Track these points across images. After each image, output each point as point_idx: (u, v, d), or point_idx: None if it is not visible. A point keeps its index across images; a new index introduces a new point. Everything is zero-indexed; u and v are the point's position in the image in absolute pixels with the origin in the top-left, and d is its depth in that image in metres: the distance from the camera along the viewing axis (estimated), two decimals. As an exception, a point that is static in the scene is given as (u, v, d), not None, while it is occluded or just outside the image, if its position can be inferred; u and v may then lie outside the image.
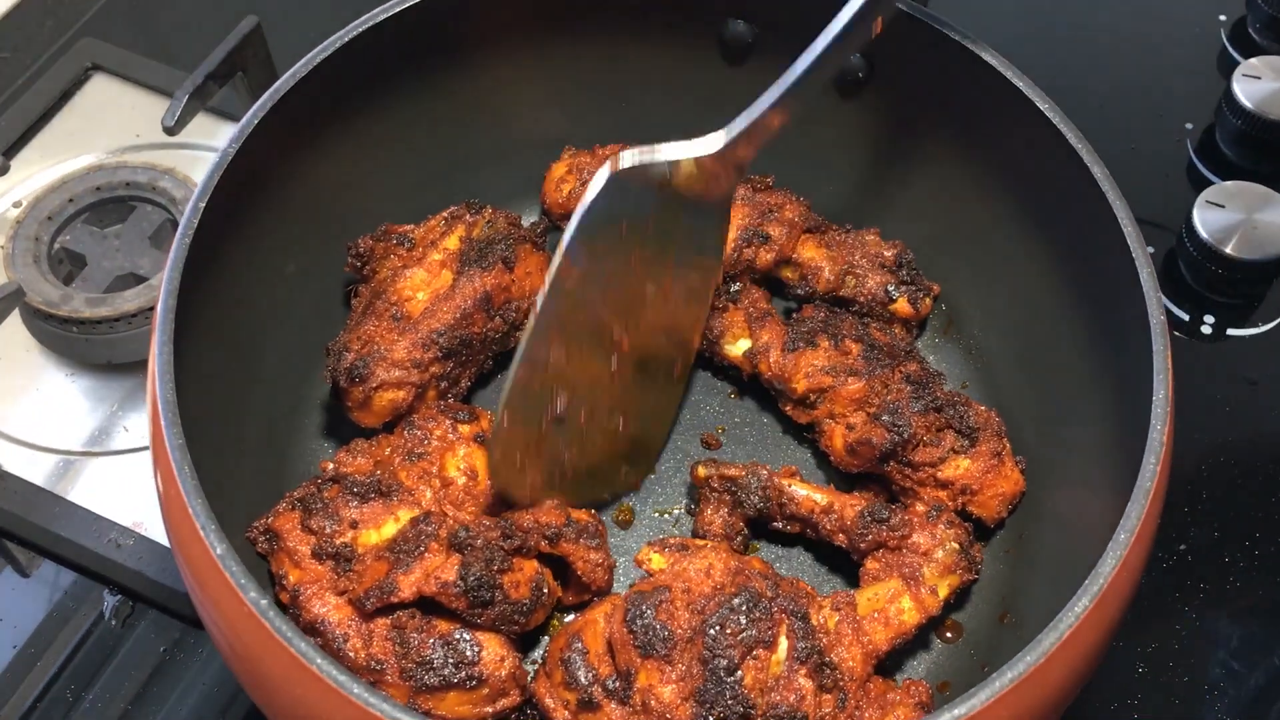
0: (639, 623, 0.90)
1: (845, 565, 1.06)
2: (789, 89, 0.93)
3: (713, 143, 0.96)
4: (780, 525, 1.05)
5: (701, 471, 1.05)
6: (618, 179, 0.93)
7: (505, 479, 1.01)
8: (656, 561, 0.96)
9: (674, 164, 0.95)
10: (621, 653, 0.90)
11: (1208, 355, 1.31)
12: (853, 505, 1.02)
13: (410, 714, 0.74)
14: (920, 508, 1.02)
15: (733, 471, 1.04)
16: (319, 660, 0.76)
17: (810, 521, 1.04)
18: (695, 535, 1.06)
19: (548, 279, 0.94)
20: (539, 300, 0.94)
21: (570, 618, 1.02)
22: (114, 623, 1.15)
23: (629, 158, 0.93)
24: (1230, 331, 1.32)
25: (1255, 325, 1.33)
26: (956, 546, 0.99)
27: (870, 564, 1.01)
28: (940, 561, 0.99)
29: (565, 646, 0.93)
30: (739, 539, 1.05)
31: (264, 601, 0.79)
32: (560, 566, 1.00)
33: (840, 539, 1.02)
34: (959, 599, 1.05)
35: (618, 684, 0.90)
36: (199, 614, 0.88)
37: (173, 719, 1.10)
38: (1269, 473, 1.23)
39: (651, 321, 1.05)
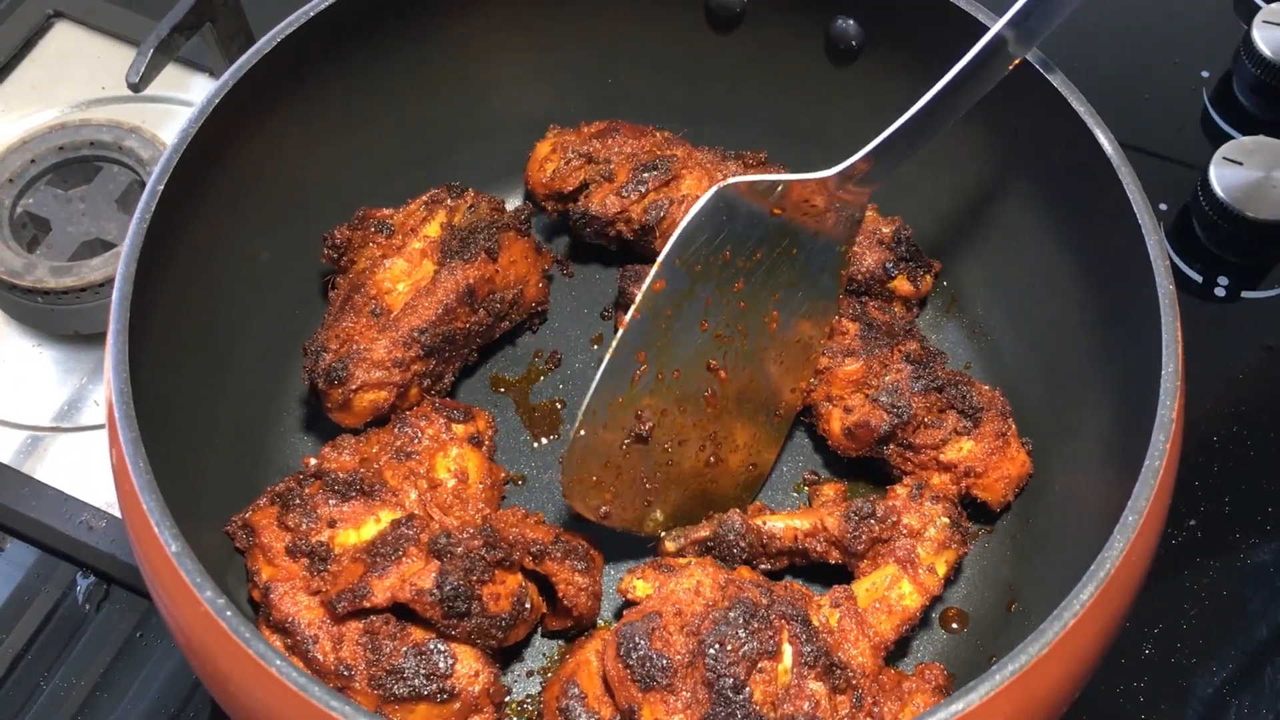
0: (634, 655, 0.85)
1: (830, 571, 1.02)
2: (908, 122, 0.92)
3: (827, 172, 0.93)
4: (768, 565, 1.00)
5: (671, 545, 0.99)
6: (723, 195, 0.91)
7: (576, 493, 0.96)
8: (641, 588, 0.92)
9: (784, 187, 0.93)
10: (621, 690, 0.86)
11: (1221, 318, 1.27)
12: (831, 515, 0.97)
13: (370, 717, 0.72)
14: (901, 490, 0.99)
15: (703, 533, 0.99)
16: (278, 662, 0.74)
17: (798, 550, 0.99)
18: None
19: (640, 291, 0.91)
20: (629, 312, 0.91)
21: (550, 643, 1.00)
22: (87, 606, 1.11)
23: (737, 177, 0.92)
24: (1245, 294, 1.28)
25: (1272, 287, 1.28)
26: (947, 521, 0.96)
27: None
28: (933, 539, 0.96)
29: (561, 694, 0.89)
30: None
31: (220, 601, 0.76)
32: (549, 587, 0.96)
33: (834, 555, 0.98)
34: (962, 583, 1.03)
35: None
36: (160, 612, 0.85)
37: (142, 696, 1.08)
38: (1282, 444, 1.19)
39: (756, 355, 1.00)
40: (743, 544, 0.97)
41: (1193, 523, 1.15)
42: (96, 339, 1.22)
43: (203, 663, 0.78)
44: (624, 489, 0.98)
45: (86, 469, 1.16)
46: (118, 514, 1.11)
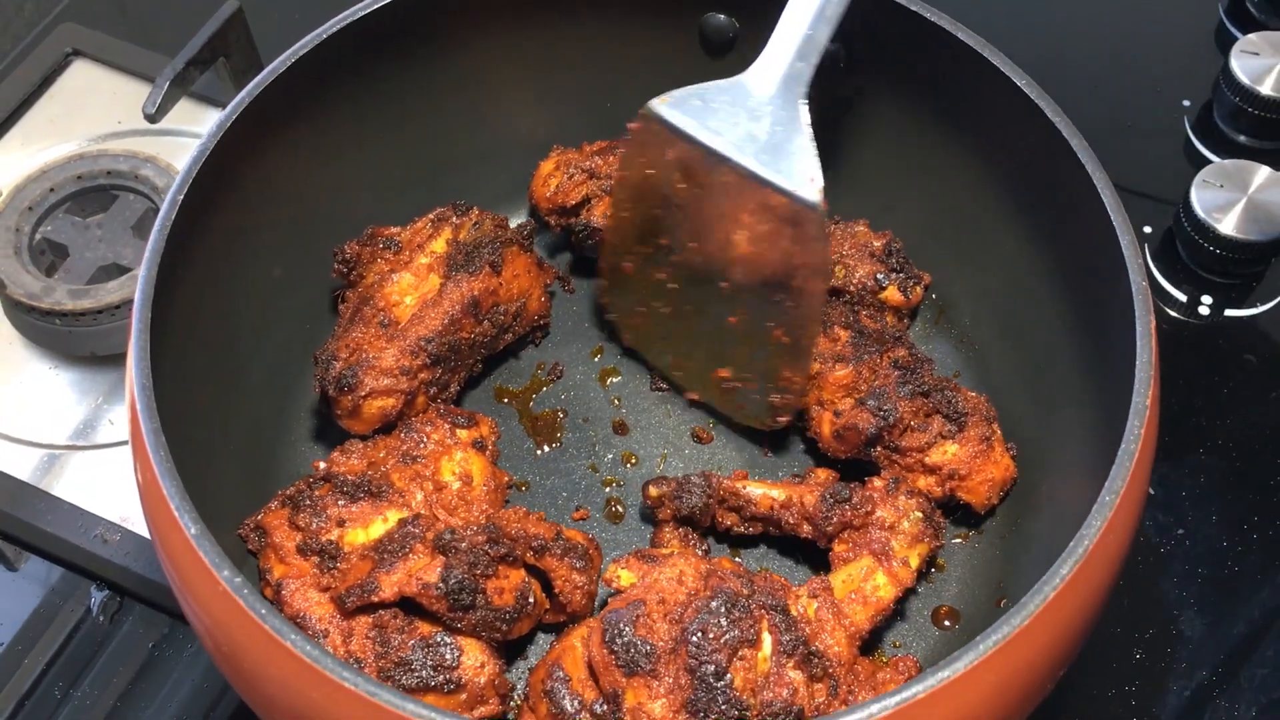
0: (619, 641, 0.88)
1: (810, 556, 1.05)
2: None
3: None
4: (743, 528, 1.04)
5: (654, 491, 1.04)
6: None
7: (611, 299, 1.12)
8: (625, 578, 0.94)
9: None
10: (605, 675, 0.88)
11: (1205, 336, 1.30)
12: (811, 493, 1.01)
13: (379, 686, 0.74)
14: (879, 482, 1.02)
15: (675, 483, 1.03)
16: (292, 636, 0.76)
17: (772, 519, 1.03)
18: None
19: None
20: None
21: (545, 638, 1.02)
22: (101, 618, 1.14)
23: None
24: (1228, 312, 1.31)
25: (1254, 306, 1.31)
26: (920, 515, 0.99)
27: (838, 547, 1.00)
28: (907, 532, 0.98)
29: (546, 677, 0.91)
30: (701, 551, 1.05)
31: (238, 579, 0.78)
32: (547, 583, 0.98)
33: (805, 530, 1.02)
34: (953, 582, 1.06)
35: (605, 708, 0.88)
36: (177, 598, 0.87)
37: (162, 714, 1.09)
38: (1268, 456, 1.22)
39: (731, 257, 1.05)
40: (704, 505, 1.02)
41: (1180, 531, 1.17)
42: (112, 360, 1.25)
43: (219, 644, 0.81)
44: (646, 308, 1.11)
45: (102, 485, 1.18)
46: (131, 528, 1.14)
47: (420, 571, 0.91)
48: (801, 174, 0.97)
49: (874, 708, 0.72)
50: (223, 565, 0.78)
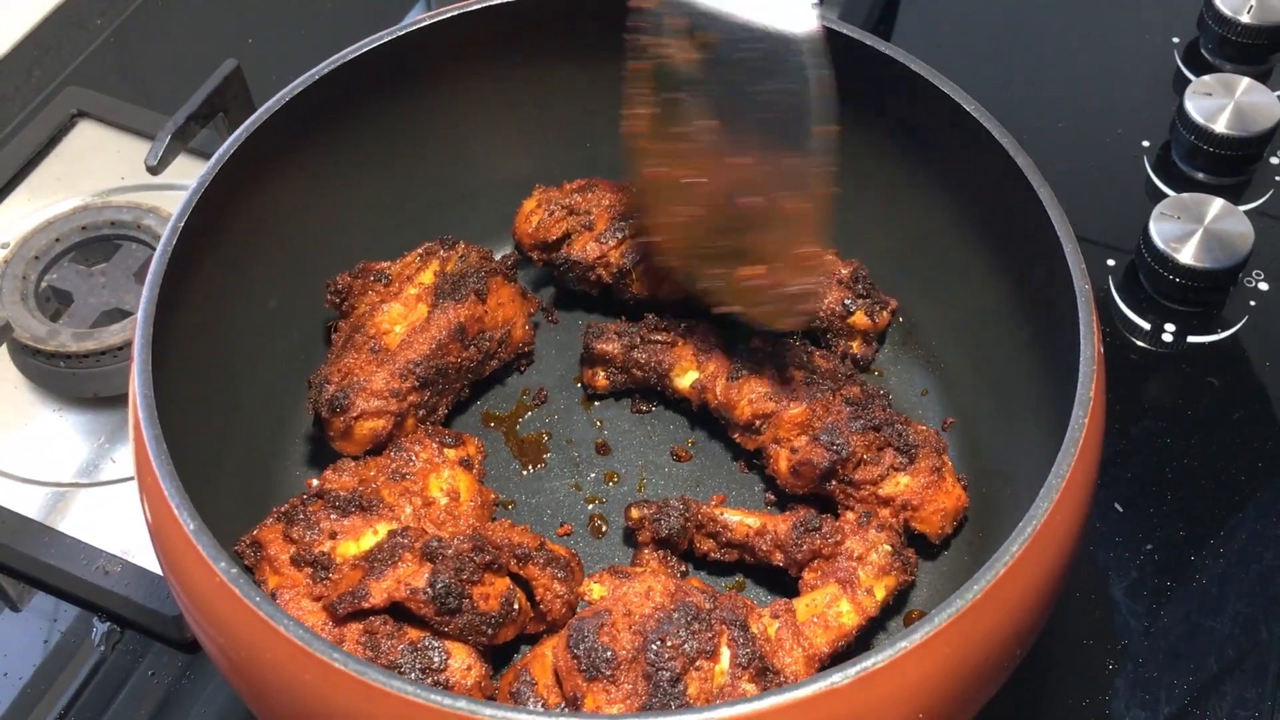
0: (581, 647, 0.91)
1: (789, 590, 1.07)
2: None
3: None
4: (720, 555, 1.07)
5: (635, 513, 1.07)
6: None
7: (650, 216, 1.11)
8: (597, 591, 0.98)
9: None
10: (568, 679, 0.92)
11: (1170, 363, 1.35)
12: (785, 522, 1.04)
13: (367, 665, 0.77)
14: (851, 516, 1.05)
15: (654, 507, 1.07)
16: (285, 620, 0.79)
17: (746, 546, 1.06)
18: None
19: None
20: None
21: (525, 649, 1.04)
22: (103, 648, 1.17)
23: None
24: (1191, 339, 1.36)
25: (1215, 332, 1.36)
26: (889, 549, 1.01)
27: (808, 575, 1.03)
28: (875, 564, 1.01)
29: (514, 680, 0.95)
30: (679, 574, 1.08)
31: (234, 570, 0.81)
32: (530, 592, 1.01)
33: (777, 558, 1.04)
34: (924, 588, 1.08)
35: (565, 710, 0.92)
36: (176, 600, 0.90)
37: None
38: (1230, 474, 1.26)
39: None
40: (684, 521, 1.05)
41: (1149, 547, 1.21)
42: (114, 402, 1.30)
43: (215, 636, 0.84)
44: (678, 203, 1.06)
45: (105, 521, 1.22)
46: (133, 560, 1.17)
47: (409, 578, 0.94)
48: (788, 6, 0.93)
49: (835, 676, 0.75)
50: (219, 558, 0.82)
